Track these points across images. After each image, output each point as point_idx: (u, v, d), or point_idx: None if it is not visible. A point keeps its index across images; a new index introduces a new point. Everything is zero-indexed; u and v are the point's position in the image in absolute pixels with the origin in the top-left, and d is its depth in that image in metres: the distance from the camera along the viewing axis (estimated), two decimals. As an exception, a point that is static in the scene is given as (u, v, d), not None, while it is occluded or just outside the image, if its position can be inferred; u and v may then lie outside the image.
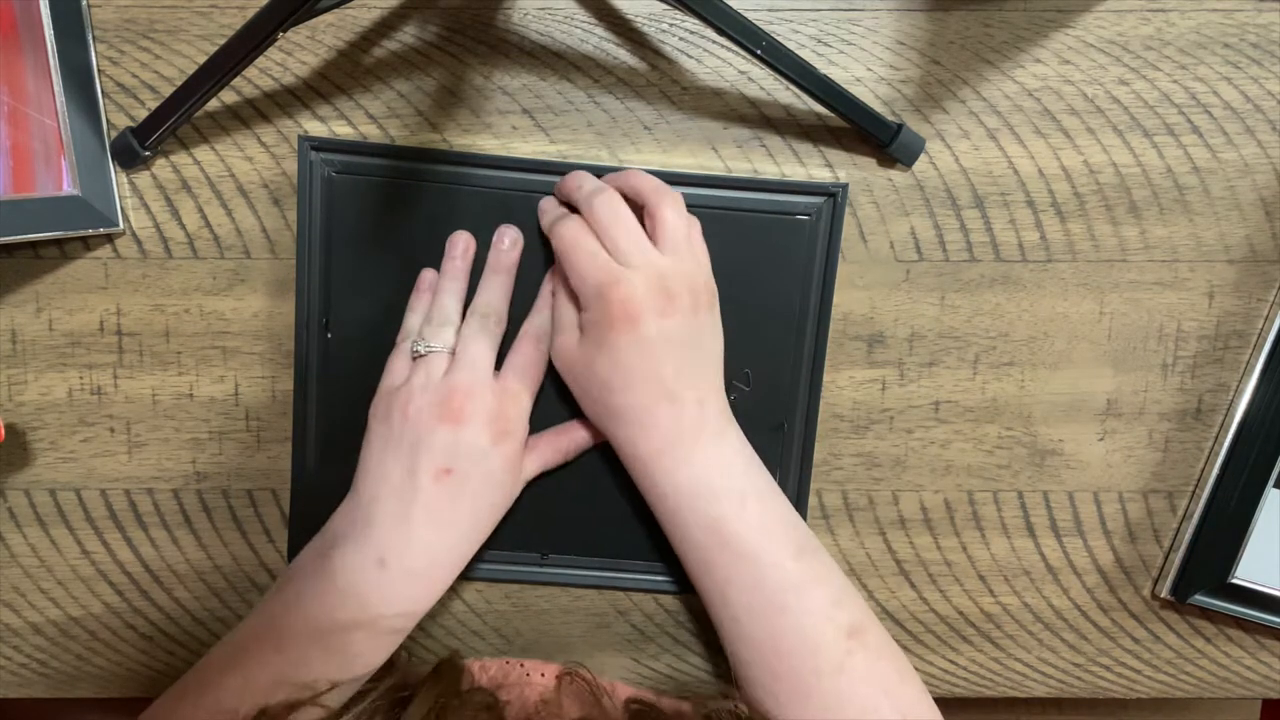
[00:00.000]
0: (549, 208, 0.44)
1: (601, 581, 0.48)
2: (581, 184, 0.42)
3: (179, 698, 0.40)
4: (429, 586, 0.41)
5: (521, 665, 0.47)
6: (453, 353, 0.42)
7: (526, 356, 0.43)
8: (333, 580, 0.39)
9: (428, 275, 0.45)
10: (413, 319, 0.44)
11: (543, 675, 0.47)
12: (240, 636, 0.41)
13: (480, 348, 0.42)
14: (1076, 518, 0.49)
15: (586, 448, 0.46)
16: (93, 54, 0.44)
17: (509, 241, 0.45)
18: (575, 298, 0.41)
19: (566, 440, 0.45)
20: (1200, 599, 0.47)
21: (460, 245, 0.44)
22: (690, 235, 0.41)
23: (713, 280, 0.42)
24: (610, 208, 0.40)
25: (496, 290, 0.44)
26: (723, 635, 0.42)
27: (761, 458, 0.45)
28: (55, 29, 0.43)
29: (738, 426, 0.42)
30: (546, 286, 0.45)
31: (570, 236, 0.40)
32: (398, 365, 0.43)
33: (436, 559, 0.40)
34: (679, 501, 0.40)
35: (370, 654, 0.40)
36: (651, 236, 0.41)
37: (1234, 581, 0.47)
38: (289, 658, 0.39)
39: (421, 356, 0.42)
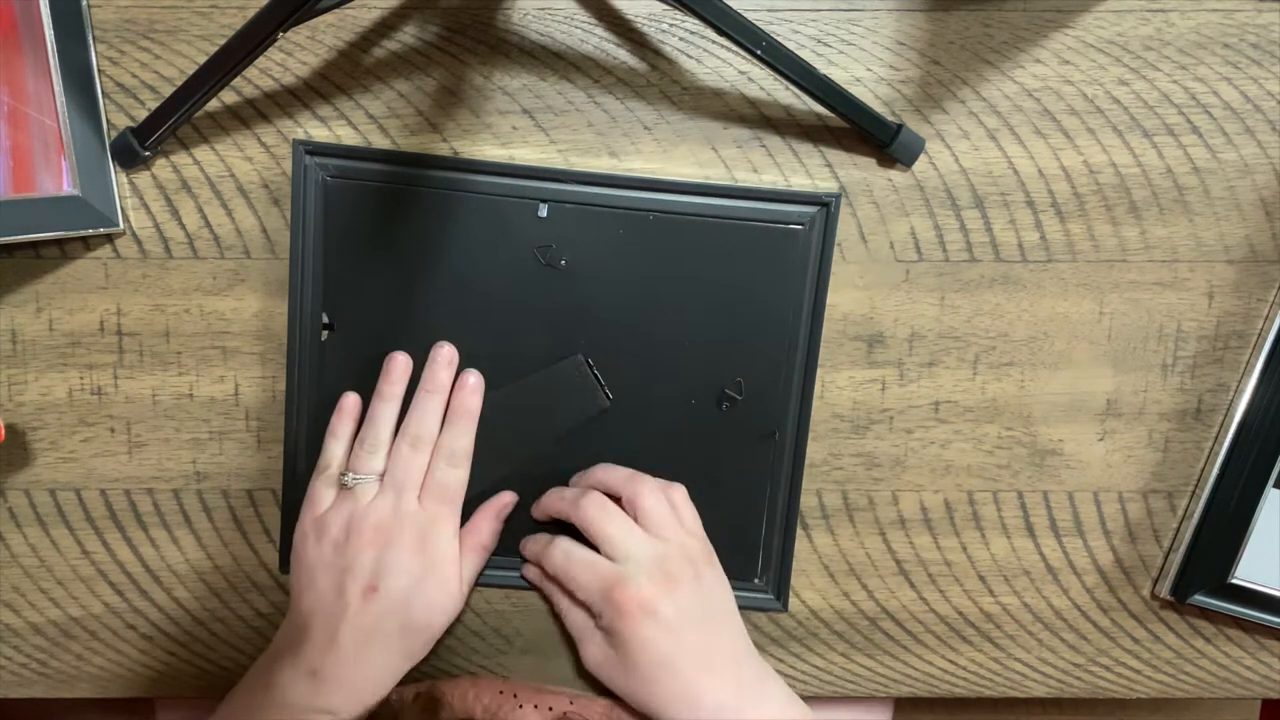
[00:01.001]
0: (529, 544, 0.47)
1: None
2: (562, 494, 0.46)
3: None
4: (357, 697, 0.42)
5: (515, 696, 0.47)
6: (381, 478, 0.44)
7: (439, 475, 0.44)
8: (270, 693, 0.42)
9: (349, 400, 0.45)
10: (336, 446, 0.45)
11: (535, 707, 0.47)
12: None
13: (410, 472, 0.44)
14: (1076, 518, 0.49)
15: (510, 510, 0.47)
16: (93, 54, 0.44)
17: (444, 359, 0.45)
18: (583, 605, 0.44)
19: (488, 529, 0.46)
20: (1200, 599, 0.47)
21: (397, 370, 0.45)
22: (674, 508, 0.44)
23: (705, 540, 0.45)
24: (597, 506, 0.43)
25: (430, 415, 0.45)
26: None
27: (753, 466, 0.47)
28: (55, 29, 0.43)
29: (774, 672, 0.45)
30: (560, 600, 0.46)
31: (562, 557, 0.44)
32: (323, 492, 0.44)
33: (364, 673, 0.42)
34: None
35: None
36: (638, 524, 0.43)
37: (1234, 582, 0.47)
38: None
39: (351, 484, 0.44)
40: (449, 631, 0.49)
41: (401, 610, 0.42)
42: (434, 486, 0.44)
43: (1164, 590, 0.48)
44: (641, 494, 0.44)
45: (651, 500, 0.44)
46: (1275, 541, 0.47)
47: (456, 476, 0.44)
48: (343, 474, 0.44)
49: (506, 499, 0.47)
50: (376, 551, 0.42)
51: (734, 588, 0.47)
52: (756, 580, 0.48)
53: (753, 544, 0.48)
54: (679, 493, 0.45)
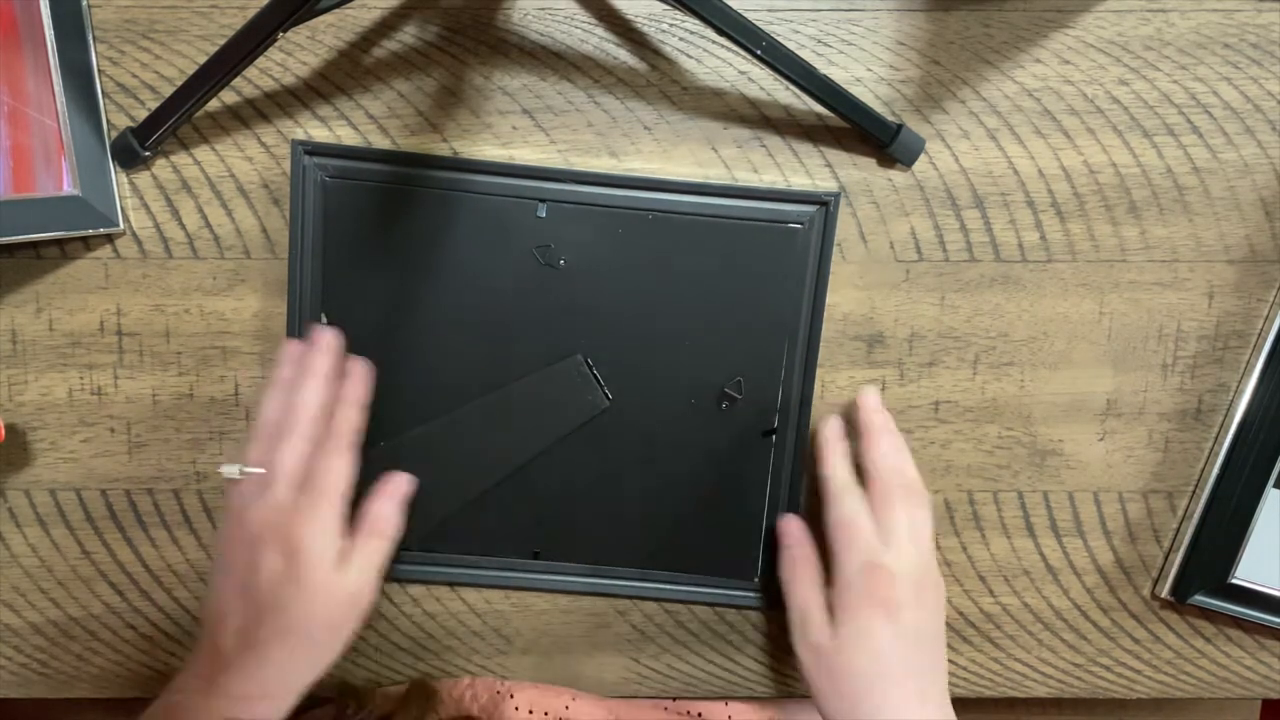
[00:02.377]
0: (833, 458, 0.44)
1: (592, 588, 0.48)
2: (877, 418, 0.44)
3: None
4: (254, 705, 0.39)
5: (512, 697, 0.47)
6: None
7: (322, 464, 0.41)
8: (171, 702, 0.40)
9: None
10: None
11: (530, 713, 0.47)
12: None
13: (283, 463, 0.41)
14: (1076, 518, 0.49)
15: (407, 493, 0.44)
16: (93, 54, 0.44)
17: (323, 345, 0.43)
18: (814, 585, 0.43)
19: (384, 515, 0.43)
20: (1200, 599, 0.47)
21: (287, 356, 0.43)
22: (921, 530, 0.42)
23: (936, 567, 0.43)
24: (905, 487, 0.42)
25: (306, 402, 0.42)
26: None
27: (752, 466, 0.47)
28: (55, 29, 0.43)
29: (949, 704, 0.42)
30: (800, 570, 0.44)
31: (850, 512, 0.42)
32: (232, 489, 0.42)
33: (245, 686, 0.39)
34: None
35: None
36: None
37: (1234, 582, 0.47)
38: None
39: (234, 482, 0.42)
40: (450, 632, 0.49)
41: (274, 613, 0.39)
42: (311, 477, 0.41)
43: (1164, 590, 0.48)
44: (922, 506, 0.42)
45: (925, 514, 0.42)
46: (1276, 542, 0.47)
47: (335, 465, 0.41)
48: (239, 470, 0.42)
49: (400, 481, 0.44)
50: (247, 551, 0.40)
51: (731, 589, 0.48)
52: (755, 580, 0.48)
53: (751, 545, 0.48)
54: (932, 519, 0.43)
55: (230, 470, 0.41)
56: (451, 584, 0.48)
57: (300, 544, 0.39)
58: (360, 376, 0.44)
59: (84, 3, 0.44)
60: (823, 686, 0.41)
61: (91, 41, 0.44)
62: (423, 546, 0.47)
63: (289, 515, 0.40)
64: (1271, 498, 0.46)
